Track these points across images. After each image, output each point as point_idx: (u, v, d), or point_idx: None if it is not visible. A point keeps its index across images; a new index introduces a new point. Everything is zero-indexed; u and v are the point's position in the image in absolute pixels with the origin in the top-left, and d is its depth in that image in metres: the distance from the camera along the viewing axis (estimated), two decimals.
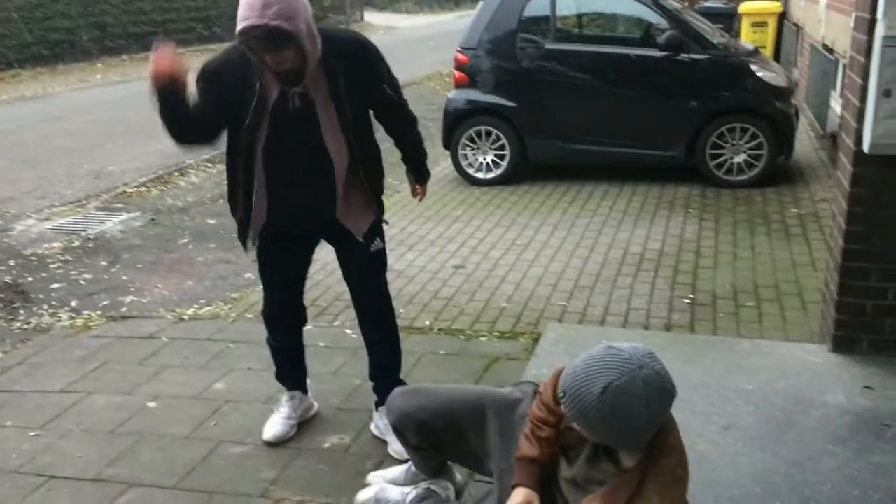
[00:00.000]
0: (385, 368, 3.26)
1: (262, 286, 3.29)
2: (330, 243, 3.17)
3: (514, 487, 2.19)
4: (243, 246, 3.08)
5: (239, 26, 2.59)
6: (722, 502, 2.56)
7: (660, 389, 1.88)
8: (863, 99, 3.24)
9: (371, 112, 3.05)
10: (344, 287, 3.30)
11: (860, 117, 3.25)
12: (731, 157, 6.99)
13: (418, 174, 3.34)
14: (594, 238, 5.89)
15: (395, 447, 3.03)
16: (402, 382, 3.16)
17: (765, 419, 3.04)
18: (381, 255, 3.17)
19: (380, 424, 3.20)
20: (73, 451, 3.27)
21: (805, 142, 8.49)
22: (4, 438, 3.40)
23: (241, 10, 2.58)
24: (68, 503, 2.94)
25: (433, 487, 2.65)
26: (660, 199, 6.84)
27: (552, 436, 2.22)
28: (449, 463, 2.72)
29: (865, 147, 3.20)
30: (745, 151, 6.94)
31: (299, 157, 2.89)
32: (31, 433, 3.42)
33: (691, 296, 4.72)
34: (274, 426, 3.29)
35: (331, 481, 2.98)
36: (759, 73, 6.97)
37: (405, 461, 2.81)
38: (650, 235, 5.88)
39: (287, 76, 2.73)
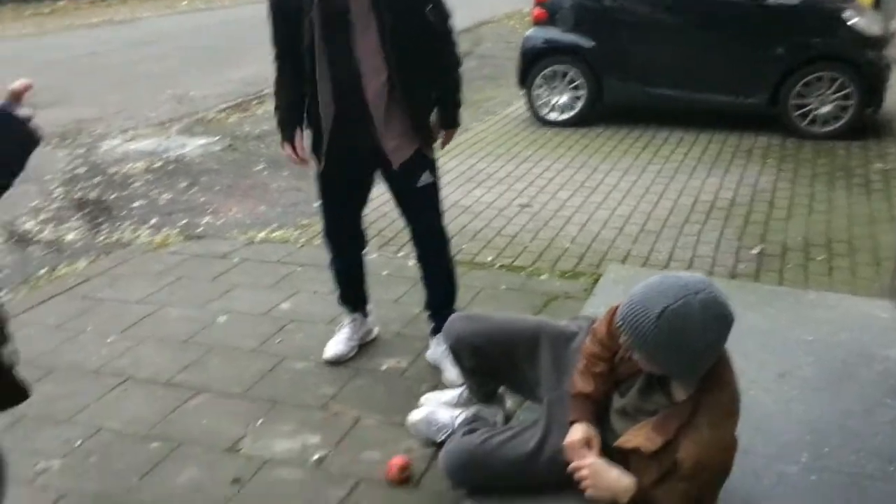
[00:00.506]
0: (439, 300, 3.31)
1: (323, 206, 3.27)
2: (380, 170, 3.11)
3: (571, 423, 2.23)
4: (317, 159, 3.07)
5: None
6: (770, 447, 2.57)
7: (716, 314, 1.88)
8: None
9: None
10: None
11: None
12: (817, 108, 6.74)
13: (445, 120, 3.10)
14: (665, 184, 5.80)
15: (448, 376, 3.13)
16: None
17: (822, 370, 3.01)
18: (428, 190, 3.08)
19: (436, 352, 3.29)
20: (149, 356, 3.48)
21: None
22: (86, 342, 3.62)
23: None
24: (143, 402, 3.13)
25: (483, 412, 2.73)
26: (737, 148, 6.67)
27: (605, 371, 2.25)
28: (501, 391, 2.80)
29: None
30: (831, 102, 6.68)
31: (341, 67, 2.83)
32: (110, 339, 3.64)
33: (760, 246, 4.64)
34: (335, 345, 3.41)
35: (386, 401, 3.10)
36: (851, 21, 6.64)
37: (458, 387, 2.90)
38: (723, 184, 5.76)
39: None
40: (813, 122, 6.78)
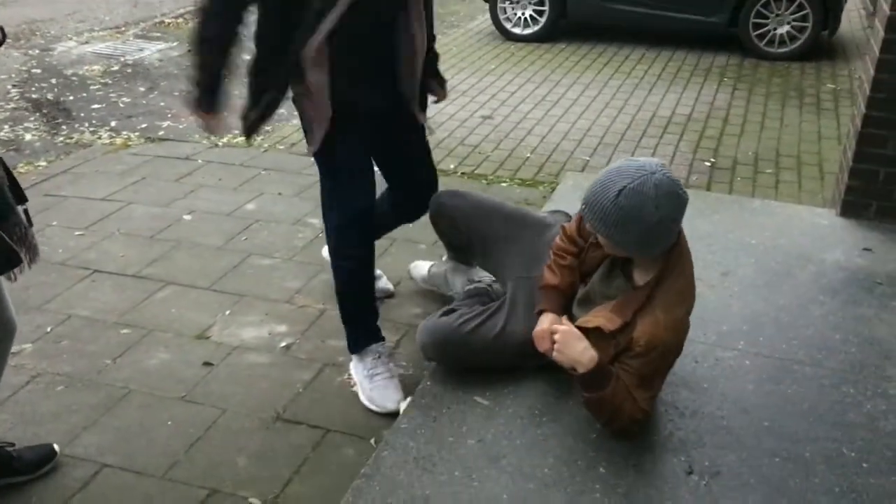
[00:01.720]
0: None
1: (337, 187, 2.56)
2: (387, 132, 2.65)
3: (539, 314, 2.38)
4: (316, 141, 2.47)
5: None
6: (709, 335, 2.76)
7: (669, 192, 2.02)
8: None
9: None
10: None
11: None
12: (774, 28, 6.85)
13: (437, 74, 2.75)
14: (624, 99, 5.91)
15: (415, 273, 3.24)
16: None
17: (762, 270, 3.20)
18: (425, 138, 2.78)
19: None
20: (116, 250, 3.54)
21: (854, 19, 8.25)
22: (51, 235, 3.66)
23: None
24: (111, 293, 3.21)
25: (488, 286, 2.80)
26: (696, 66, 6.78)
27: (573, 264, 2.39)
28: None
29: None
30: (788, 23, 6.80)
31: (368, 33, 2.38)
32: (77, 233, 3.69)
33: (712, 159, 4.80)
34: (393, 395, 2.65)
35: None
36: None
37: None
38: (681, 101, 5.88)
39: None
40: (771, 42, 6.90)
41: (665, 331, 2.14)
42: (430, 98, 2.75)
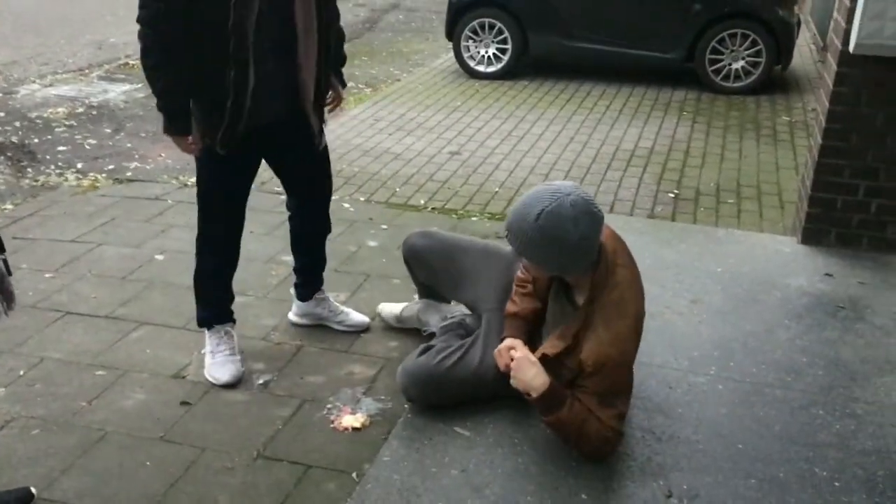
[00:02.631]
0: (320, 246, 3.21)
1: (212, 202, 2.82)
2: (284, 143, 2.83)
3: (501, 340, 2.47)
4: (222, 142, 2.61)
5: None
6: (681, 360, 2.83)
7: (585, 210, 2.13)
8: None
9: None
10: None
11: (850, 18, 3.38)
12: (730, 63, 7.08)
13: (341, 79, 2.99)
14: (588, 134, 6.04)
15: (385, 314, 3.26)
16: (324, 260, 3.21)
17: (729, 296, 3.29)
18: (326, 151, 2.97)
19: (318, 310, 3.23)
20: (87, 292, 3.51)
21: (805, 54, 8.55)
22: (21, 278, 3.62)
23: None
24: (84, 334, 3.19)
25: (461, 320, 2.86)
26: (656, 100, 6.96)
27: (532, 292, 2.48)
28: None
29: (851, 47, 3.34)
30: (743, 58, 7.03)
31: (280, 31, 2.56)
32: (47, 275, 3.65)
33: (676, 191, 4.92)
34: (231, 367, 2.91)
35: (328, 331, 3.23)
36: None
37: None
38: (643, 134, 6.03)
39: None
40: (727, 77, 7.12)
41: (609, 346, 2.21)
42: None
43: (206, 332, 3.01)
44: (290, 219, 3.15)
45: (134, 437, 2.59)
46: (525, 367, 2.25)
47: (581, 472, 2.29)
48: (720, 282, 3.40)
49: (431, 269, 2.85)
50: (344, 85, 3.04)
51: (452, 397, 2.56)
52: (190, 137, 2.64)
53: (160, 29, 2.46)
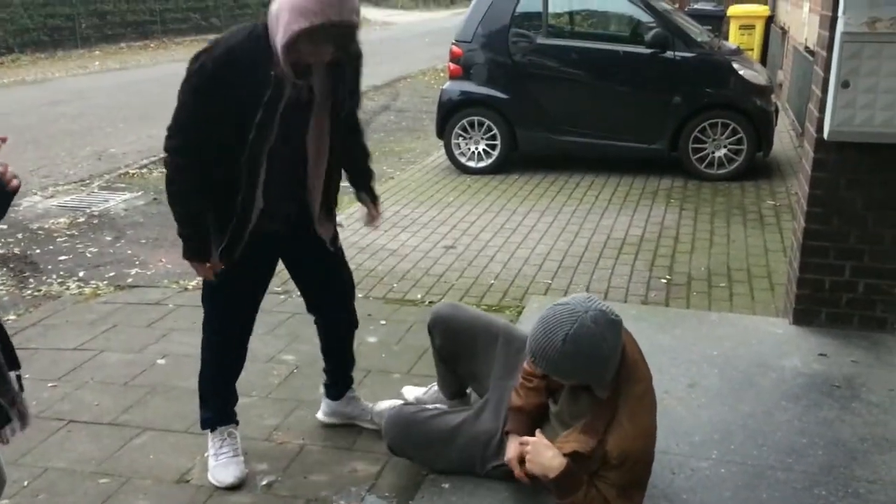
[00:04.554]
0: (347, 345, 3.22)
1: (215, 306, 2.89)
2: (294, 251, 2.94)
3: (506, 434, 2.54)
4: (228, 257, 2.69)
5: (307, 23, 2.32)
6: (682, 446, 2.85)
7: (607, 322, 2.20)
8: (825, 90, 3.54)
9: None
10: None
11: (822, 107, 3.54)
12: (713, 152, 7.30)
13: (373, 194, 3.09)
14: (579, 224, 6.17)
15: (408, 395, 3.33)
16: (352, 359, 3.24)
17: (726, 379, 3.33)
18: (341, 250, 3.05)
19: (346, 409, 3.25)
20: (90, 399, 3.53)
21: (785, 140, 8.81)
22: (25, 389, 3.64)
23: (308, 4, 2.32)
24: (87, 443, 3.20)
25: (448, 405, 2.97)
26: (643, 189, 7.14)
27: (539, 386, 2.54)
28: (468, 391, 3.08)
29: (825, 134, 3.49)
30: (725, 146, 7.25)
31: (292, 157, 2.67)
32: (50, 384, 3.68)
33: (668, 276, 5.01)
34: (234, 469, 2.92)
35: (330, 428, 3.25)
36: (740, 72, 7.27)
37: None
38: (632, 222, 6.17)
39: (302, 68, 2.47)
40: (710, 164, 7.33)
41: (634, 440, 2.25)
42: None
43: (209, 433, 3.02)
44: (315, 322, 3.17)
45: None
46: (541, 450, 2.29)
47: None
48: (716, 365, 3.45)
49: (450, 338, 2.89)
50: (376, 199, 3.08)
51: (419, 447, 2.64)
52: (209, 263, 2.70)
53: (187, 159, 2.56)
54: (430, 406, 2.84)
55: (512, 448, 2.50)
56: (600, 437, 2.28)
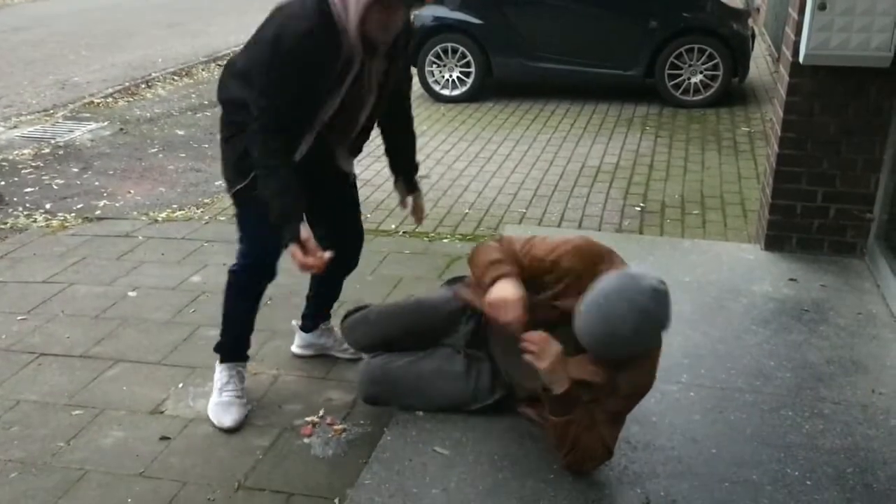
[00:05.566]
0: (340, 281, 3.18)
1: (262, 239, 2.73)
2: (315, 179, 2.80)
3: (496, 279, 2.31)
4: (292, 237, 2.47)
5: None
6: None
7: (654, 295, 2.23)
8: (801, 12, 3.48)
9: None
10: None
11: (798, 30, 3.49)
12: (688, 78, 7.23)
13: (411, 180, 2.98)
14: (554, 152, 6.13)
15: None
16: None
17: (697, 305, 3.36)
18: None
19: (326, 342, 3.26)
20: (61, 332, 3.50)
21: (762, 66, 8.75)
22: None
23: None
24: (59, 375, 3.18)
25: None
26: (618, 117, 7.08)
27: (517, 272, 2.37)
28: None
29: (801, 58, 3.45)
30: (701, 72, 7.19)
31: (341, 128, 2.66)
32: (19, 317, 3.64)
33: (642, 204, 5.02)
34: (235, 411, 2.88)
35: (302, 358, 3.25)
36: None
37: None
38: (607, 150, 6.14)
39: (373, 42, 2.47)
40: (686, 91, 7.27)
41: (648, 375, 2.30)
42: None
43: (217, 364, 2.96)
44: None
45: (114, 474, 2.59)
46: (548, 347, 2.21)
47: (560, 484, 2.32)
48: (688, 291, 3.47)
49: (381, 341, 2.76)
50: (416, 190, 2.97)
51: (410, 398, 2.63)
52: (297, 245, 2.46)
53: (282, 138, 2.48)
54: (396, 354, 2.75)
55: (509, 286, 2.28)
56: (610, 369, 2.27)
